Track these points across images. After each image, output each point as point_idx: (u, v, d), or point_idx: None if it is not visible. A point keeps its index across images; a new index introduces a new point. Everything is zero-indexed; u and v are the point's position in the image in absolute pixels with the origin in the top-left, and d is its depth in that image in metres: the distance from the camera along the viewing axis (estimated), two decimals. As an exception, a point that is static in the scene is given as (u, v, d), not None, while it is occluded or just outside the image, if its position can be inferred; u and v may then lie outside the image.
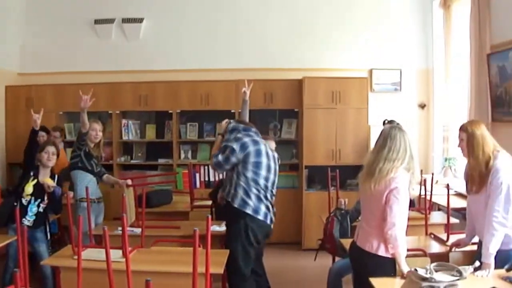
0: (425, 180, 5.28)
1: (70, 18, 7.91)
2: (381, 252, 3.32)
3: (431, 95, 7.77)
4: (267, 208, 4.42)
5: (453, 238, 4.20)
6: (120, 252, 3.63)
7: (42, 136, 6.10)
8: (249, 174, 4.34)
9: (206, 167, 7.53)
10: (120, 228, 4.22)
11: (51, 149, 4.88)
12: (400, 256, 3.26)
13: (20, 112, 7.31)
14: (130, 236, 4.20)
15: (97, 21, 7.84)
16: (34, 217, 4.76)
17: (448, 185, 4.55)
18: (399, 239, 3.25)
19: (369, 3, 7.84)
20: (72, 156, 5.30)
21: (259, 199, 4.36)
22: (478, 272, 3.30)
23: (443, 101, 6.85)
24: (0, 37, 7.40)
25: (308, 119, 7.23)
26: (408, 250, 3.43)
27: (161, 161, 7.64)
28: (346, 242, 4.00)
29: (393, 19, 7.85)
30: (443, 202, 5.16)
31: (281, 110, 7.65)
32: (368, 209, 3.50)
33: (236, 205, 4.33)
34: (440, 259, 3.44)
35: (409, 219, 4.80)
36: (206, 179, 7.48)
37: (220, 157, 4.35)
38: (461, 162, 6.25)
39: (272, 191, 4.52)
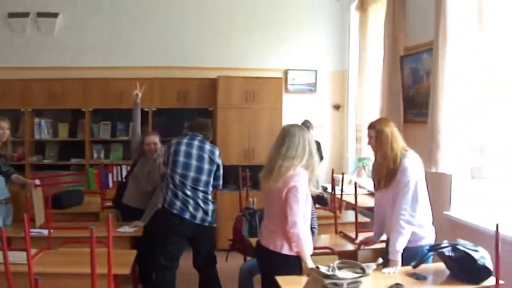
0: (333, 179, 5.32)
1: (-18, 11, 7.40)
2: (286, 250, 3.31)
3: (346, 96, 7.86)
4: (183, 203, 4.49)
5: (363, 236, 4.20)
6: (25, 254, 3.42)
7: None
8: (168, 172, 4.58)
9: (118, 167, 7.29)
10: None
11: None
12: (305, 254, 3.26)
13: None
14: (38, 238, 4.35)
15: (11, 15, 7.35)
16: None
17: (356, 183, 4.59)
18: (302, 237, 3.24)
19: (287, 5, 7.82)
20: None
21: (174, 194, 4.51)
22: (385, 269, 3.35)
23: (358, 103, 6.92)
24: None
25: (222, 118, 7.15)
26: (316, 248, 3.46)
27: (73, 161, 7.35)
28: (255, 241, 3.91)
29: (311, 21, 7.88)
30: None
31: (195, 109, 7.49)
32: (269, 208, 3.50)
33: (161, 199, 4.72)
34: (349, 257, 3.43)
35: (320, 218, 4.90)
36: (119, 179, 7.18)
37: None
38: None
39: (192, 187, 4.54)
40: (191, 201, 4.51)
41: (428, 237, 3.55)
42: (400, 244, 3.38)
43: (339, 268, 2.78)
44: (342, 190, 5.41)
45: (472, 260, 3.06)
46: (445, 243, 3.27)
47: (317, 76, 7.88)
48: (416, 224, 3.45)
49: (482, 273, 3.07)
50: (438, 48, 4.43)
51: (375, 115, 5.89)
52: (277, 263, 3.33)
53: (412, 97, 5.35)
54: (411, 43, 5.40)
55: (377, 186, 3.73)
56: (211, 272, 4.74)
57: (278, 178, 3.29)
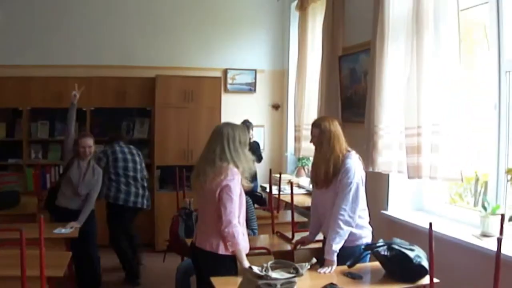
0: (271, 179, 5.30)
1: None
2: (221, 250, 3.28)
3: (285, 96, 7.85)
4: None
5: (300, 236, 4.19)
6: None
7: None
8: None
9: (57, 168, 7.06)
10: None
11: None
12: (240, 254, 3.21)
13: None
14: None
15: None
16: None
17: (291, 182, 4.57)
18: (237, 236, 3.20)
19: (227, 4, 7.77)
20: None
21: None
22: (321, 269, 3.34)
23: (297, 102, 6.90)
24: None
25: (161, 118, 7.05)
26: (252, 248, 3.44)
27: (11, 161, 7.08)
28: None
29: (250, 20, 7.86)
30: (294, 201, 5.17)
31: (134, 108, 7.35)
32: (204, 209, 3.46)
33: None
34: (285, 257, 3.42)
35: (259, 218, 4.87)
36: (57, 180, 6.92)
37: None
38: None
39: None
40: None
41: (366, 237, 3.57)
42: (336, 245, 3.37)
43: (273, 269, 2.75)
44: (279, 190, 5.39)
45: (408, 259, 3.06)
46: (380, 242, 3.27)
47: (256, 76, 7.85)
48: (354, 225, 3.46)
49: (417, 272, 3.08)
50: (375, 48, 4.44)
51: (314, 115, 5.89)
52: (213, 263, 3.29)
53: (350, 97, 5.36)
54: (349, 43, 5.41)
55: (314, 185, 3.70)
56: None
57: (210, 178, 3.26)
